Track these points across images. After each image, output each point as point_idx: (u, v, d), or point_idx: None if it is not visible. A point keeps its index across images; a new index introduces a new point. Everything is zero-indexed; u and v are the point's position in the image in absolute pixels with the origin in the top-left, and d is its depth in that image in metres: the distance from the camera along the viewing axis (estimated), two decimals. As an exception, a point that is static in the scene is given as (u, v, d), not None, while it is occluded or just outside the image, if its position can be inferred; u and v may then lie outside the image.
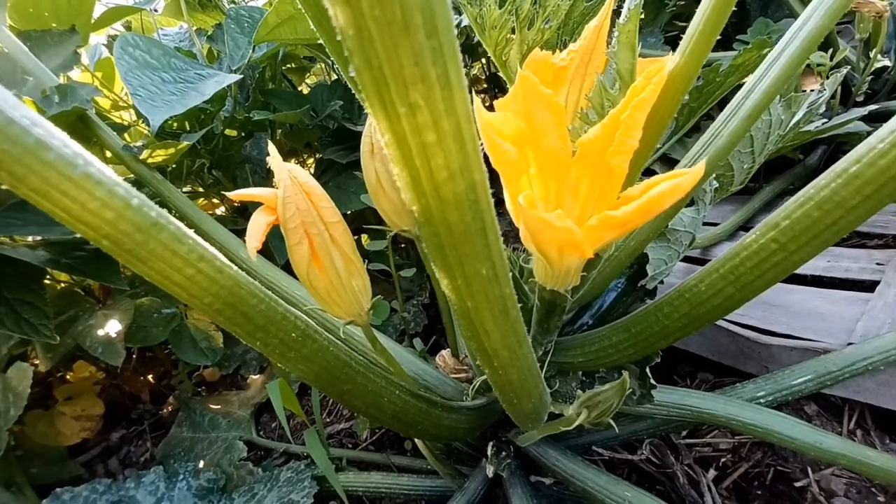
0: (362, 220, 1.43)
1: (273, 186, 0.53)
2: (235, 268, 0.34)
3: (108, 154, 1.04)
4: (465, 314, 0.31)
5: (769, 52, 0.72)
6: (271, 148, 0.52)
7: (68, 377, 1.37)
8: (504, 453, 0.74)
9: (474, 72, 2.26)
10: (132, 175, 1.00)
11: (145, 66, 0.87)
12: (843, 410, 0.85)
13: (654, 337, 0.52)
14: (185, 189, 1.34)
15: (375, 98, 0.18)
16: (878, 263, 0.96)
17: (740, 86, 0.64)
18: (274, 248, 1.14)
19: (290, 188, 0.51)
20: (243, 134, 1.34)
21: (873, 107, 1.23)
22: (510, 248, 0.65)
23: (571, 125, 0.49)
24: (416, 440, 0.88)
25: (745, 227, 1.23)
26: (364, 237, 1.53)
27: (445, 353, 0.85)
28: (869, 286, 0.92)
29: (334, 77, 1.58)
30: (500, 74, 0.63)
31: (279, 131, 1.43)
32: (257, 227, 0.52)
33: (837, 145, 1.43)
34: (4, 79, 1.03)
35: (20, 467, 1.17)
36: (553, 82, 0.63)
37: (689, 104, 1.32)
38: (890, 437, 0.81)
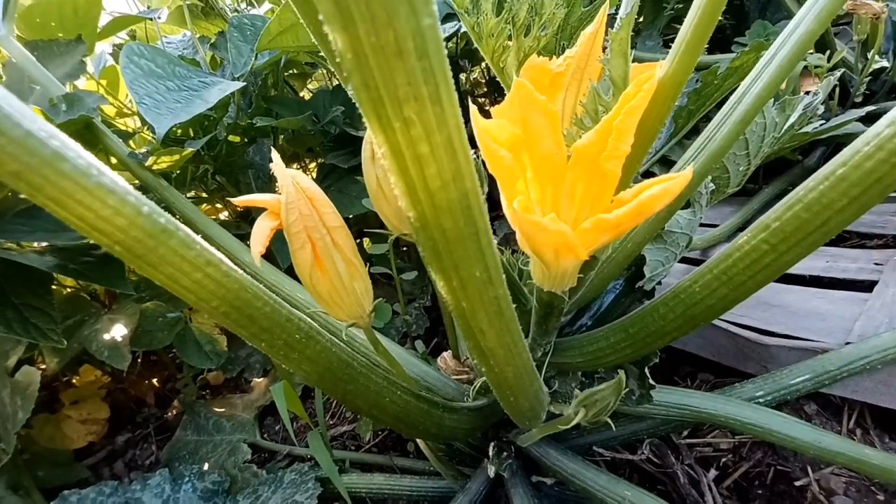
0: (364, 223, 1.44)
1: (276, 192, 0.54)
2: (241, 272, 0.35)
3: (114, 161, 1.06)
4: (461, 315, 0.32)
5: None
6: (274, 155, 0.53)
7: (74, 381, 1.38)
8: (505, 453, 0.75)
9: (475, 75, 2.28)
10: (137, 181, 1.02)
11: (150, 75, 0.89)
12: (843, 410, 0.86)
13: (651, 337, 0.53)
14: (189, 195, 1.36)
15: (372, 114, 0.19)
16: (876, 263, 0.97)
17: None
18: (277, 252, 1.16)
19: (294, 194, 0.52)
20: (246, 140, 1.36)
21: (871, 108, 1.24)
22: (509, 251, 0.66)
23: (567, 130, 0.50)
24: (418, 442, 0.89)
25: (744, 228, 1.23)
26: (366, 241, 1.54)
27: (447, 354, 0.86)
28: (867, 286, 0.92)
29: (336, 83, 1.60)
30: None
31: (281, 137, 1.45)
32: (261, 233, 0.53)
33: (836, 146, 1.43)
34: (12, 88, 1.06)
35: (27, 471, 1.18)
36: (550, 88, 0.64)
37: (687, 107, 1.33)
38: (889, 435, 0.82)
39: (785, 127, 0.69)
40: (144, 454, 1.37)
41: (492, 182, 0.43)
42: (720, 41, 1.92)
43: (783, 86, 1.37)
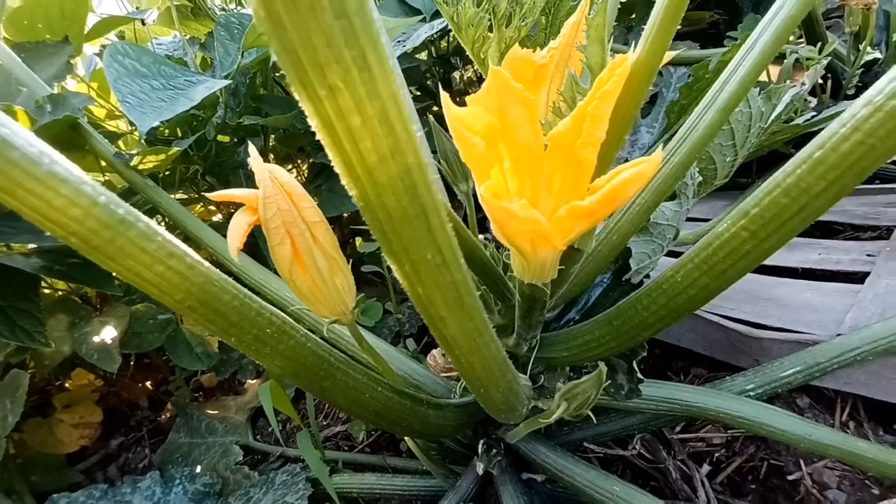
0: (356, 222, 1.44)
1: (263, 189, 0.54)
2: (207, 264, 0.34)
3: (103, 163, 1.06)
4: (418, 301, 0.31)
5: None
6: (251, 149, 0.53)
7: (67, 385, 1.38)
8: (494, 451, 0.74)
9: (468, 74, 2.27)
10: (126, 182, 1.01)
11: (135, 74, 0.88)
12: (836, 402, 0.85)
13: (635, 329, 0.52)
14: (179, 196, 1.35)
15: (297, 82, 0.19)
16: (868, 255, 0.96)
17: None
18: (266, 251, 1.15)
19: (271, 188, 0.52)
20: (236, 140, 1.35)
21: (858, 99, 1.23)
22: (493, 245, 0.65)
23: (545, 119, 0.50)
24: (408, 442, 0.88)
25: (738, 221, 1.23)
26: (358, 239, 1.54)
27: (436, 352, 0.85)
28: (860, 278, 0.91)
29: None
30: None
31: (272, 136, 1.44)
32: (238, 228, 0.52)
33: (829, 139, 1.43)
34: (-1, 90, 1.05)
35: (20, 475, 1.17)
36: (534, 80, 0.64)
37: (679, 101, 1.33)
38: (883, 428, 0.81)
39: (772, 116, 0.69)
40: (138, 457, 1.36)
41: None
42: (713, 36, 1.92)
43: (776, 78, 1.36)
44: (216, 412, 1.31)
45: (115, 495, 0.96)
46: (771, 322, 0.88)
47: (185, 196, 1.40)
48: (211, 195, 0.52)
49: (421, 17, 1.25)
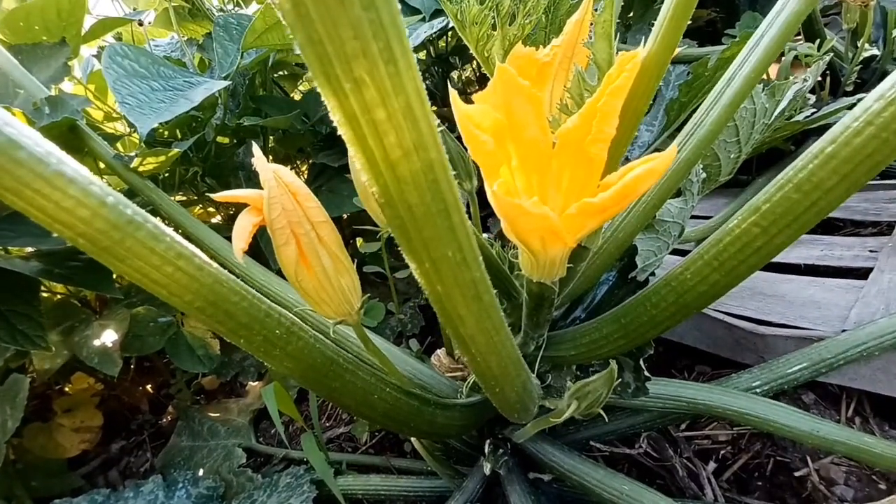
0: (357, 222, 1.43)
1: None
2: (216, 265, 0.34)
3: (102, 165, 1.05)
4: (437, 300, 0.31)
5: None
6: (255, 150, 0.52)
7: (67, 389, 1.37)
8: (501, 451, 0.74)
9: (467, 73, 2.27)
10: (126, 185, 1.01)
11: (134, 75, 0.88)
12: (841, 398, 0.85)
13: (644, 327, 0.52)
14: (179, 197, 1.35)
15: (322, 76, 0.18)
16: (871, 251, 0.96)
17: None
18: (268, 253, 1.14)
19: (276, 189, 0.51)
20: (235, 141, 1.35)
21: (862, 96, 1.23)
22: (499, 244, 0.65)
23: (552, 116, 0.50)
24: (413, 442, 0.88)
25: (739, 219, 1.23)
26: (359, 240, 1.53)
27: (441, 352, 0.85)
28: (863, 273, 0.91)
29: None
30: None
31: (272, 137, 1.43)
32: (243, 229, 0.52)
33: (829, 135, 1.43)
34: (-4, 92, 1.04)
35: (20, 480, 1.16)
36: (537, 78, 0.63)
37: (679, 99, 1.32)
38: (889, 423, 0.81)
39: (775, 113, 0.69)
40: (139, 461, 1.35)
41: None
42: (711, 34, 1.92)
43: (775, 75, 1.36)
44: (218, 415, 1.30)
45: (117, 500, 0.95)
46: (775, 319, 0.88)
47: (185, 198, 1.39)
48: (215, 196, 0.51)
49: (420, 16, 1.25)
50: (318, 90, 0.19)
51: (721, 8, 1.92)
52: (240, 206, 0.55)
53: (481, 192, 0.44)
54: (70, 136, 0.97)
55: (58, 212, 0.27)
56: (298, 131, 1.27)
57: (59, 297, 1.25)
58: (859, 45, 1.40)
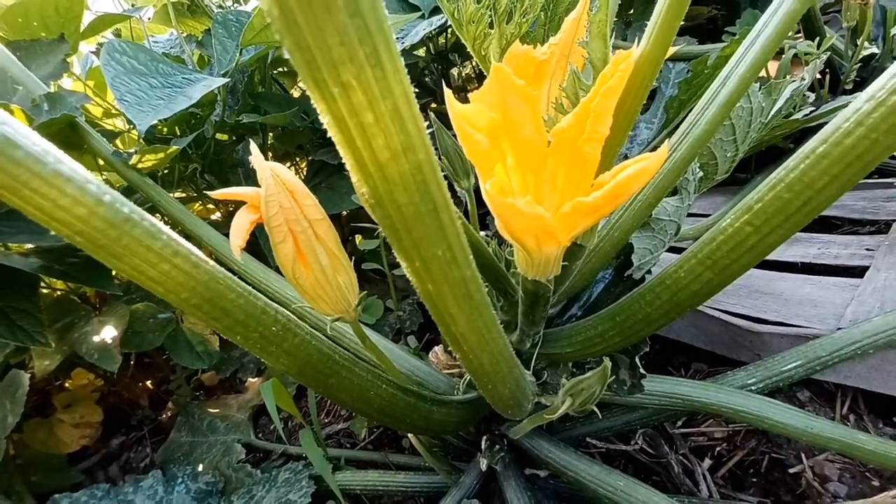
0: (356, 219, 1.43)
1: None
2: (212, 263, 0.34)
3: (101, 162, 1.05)
4: (428, 298, 0.31)
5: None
6: (253, 147, 0.52)
7: (67, 385, 1.37)
8: (498, 447, 0.74)
9: (467, 70, 2.27)
10: (124, 181, 1.01)
11: (132, 72, 0.88)
12: (836, 396, 0.85)
13: (639, 325, 0.53)
14: (178, 194, 1.35)
15: (310, 80, 0.18)
16: (868, 249, 0.96)
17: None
18: (267, 250, 1.15)
19: (273, 186, 0.52)
20: (234, 138, 1.35)
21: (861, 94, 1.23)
22: (496, 242, 0.65)
23: (548, 115, 0.50)
24: (412, 438, 0.88)
25: (737, 217, 1.23)
26: (358, 237, 1.54)
27: (438, 349, 0.86)
28: (859, 272, 0.92)
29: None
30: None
31: (271, 134, 1.43)
32: (241, 227, 0.52)
33: (827, 133, 1.43)
34: (-5, 89, 1.04)
35: (20, 476, 1.17)
36: (535, 76, 0.63)
37: (678, 97, 1.32)
38: (883, 420, 0.81)
39: (772, 112, 0.69)
40: (139, 457, 1.36)
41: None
42: (712, 31, 1.92)
43: (774, 73, 1.36)
44: (217, 411, 1.31)
45: (117, 495, 0.96)
46: (771, 316, 0.88)
47: (185, 194, 1.39)
48: (213, 193, 0.52)
49: (419, 13, 1.25)
50: (308, 93, 0.20)
51: (722, 5, 1.91)
52: (239, 203, 0.55)
53: (479, 190, 0.45)
54: (69, 132, 0.97)
55: (55, 210, 0.27)
56: (297, 128, 1.27)
57: (58, 293, 1.26)
58: (859, 43, 1.39)
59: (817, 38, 1.34)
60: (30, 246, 0.98)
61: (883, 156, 0.33)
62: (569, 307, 0.73)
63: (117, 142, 1.30)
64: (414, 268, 0.29)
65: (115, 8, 1.50)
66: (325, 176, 1.31)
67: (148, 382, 1.49)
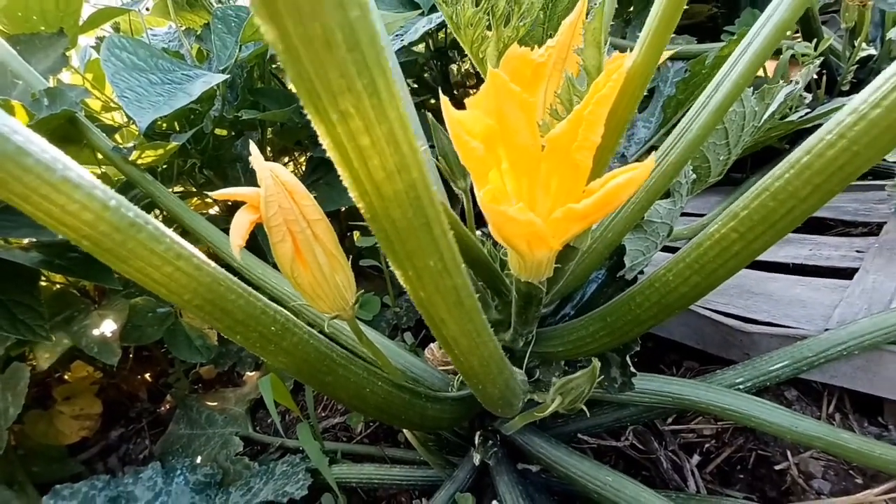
0: (354, 216, 1.44)
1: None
2: (214, 265, 0.35)
3: (100, 156, 1.06)
4: (420, 304, 0.33)
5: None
6: (253, 147, 0.53)
7: (67, 377, 1.39)
8: (491, 442, 0.76)
9: (466, 66, 2.26)
10: (123, 176, 1.01)
11: (132, 68, 0.88)
12: (823, 395, 0.87)
13: (629, 325, 0.54)
14: (177, 189, 1.35)
15: (311, 106, 0.20)
16: (858, 251, 0.98)
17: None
18: (266, 248, 1.16)
19: (272, 187, 0.53)
20: (233, 133, 1.35)
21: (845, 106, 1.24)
22: (490, 243, 0.66)
23: (543, 120, 0.51)
24: (407, 433, 0.90)
25: (731, 217, 1.24)
26: (356, 233, 1.54)
27: (434, 345, 0.87)
28: (849, 273, 0.93)
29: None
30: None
31: (270, 130, 1.44)
32: (240, 226, 0.53)
33: (823, 135, 1.44)
34: (-6, 83, 1.04)
35: (21, 466, 1.18)
36: (532, 79, 0.64)
37: (676, 96, 1.33)
38: (868, 420, 0.83)
39: (765, 116, 0.70)
40: (138, 448, 1.38)
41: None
42: (710, 30, 1.92)
43: (771, 74, 1.37)
44: (216, 404, 1.32)
45: (117, 486, 0.97)
46: (761, 317, 0.90)
47: (184, 189, 1.40)
48: (214, 194, 0.52)
49: (419, 11, 1.25)
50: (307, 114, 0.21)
51: (722, 3, 1.91)
52: (237, 200, 0.56)
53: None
54: (69, 127, 0.97)
55: (63, 215, 0.28)
56: (296, 124, 1.27)
57: (58, 287, 1.27)
58: (856, 44, 1.40)
59: (815, 40, 1.35)
60: (30, 240, 0.98)
61: (864, 167, 0.35)
62: (562, 307, 0.74)
63: (117, 136, 1.31)
64: (407, 277, 0.30)
65: (114, 1, 1.49)
66: (324, 172, 1.32)
67: (147, 375, 1.50)
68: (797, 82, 0.74)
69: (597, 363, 0.46)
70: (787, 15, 0.49)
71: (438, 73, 1.83)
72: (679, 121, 1.24)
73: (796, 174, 0.37)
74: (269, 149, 1.50)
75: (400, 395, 0.55)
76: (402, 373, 0.76)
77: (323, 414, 1.31)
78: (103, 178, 1.34)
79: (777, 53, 1.51)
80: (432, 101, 1.86)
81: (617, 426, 0.85)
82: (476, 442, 0.76)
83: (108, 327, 1.13)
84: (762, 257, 1.09)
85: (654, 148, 1.31)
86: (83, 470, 1.29)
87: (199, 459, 1.16)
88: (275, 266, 0.89)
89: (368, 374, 0.51)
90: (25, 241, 1.00)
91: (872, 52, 1.50)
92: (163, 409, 1.46)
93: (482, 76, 0.67)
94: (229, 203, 1.49)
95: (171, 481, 1.00)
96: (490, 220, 0.37)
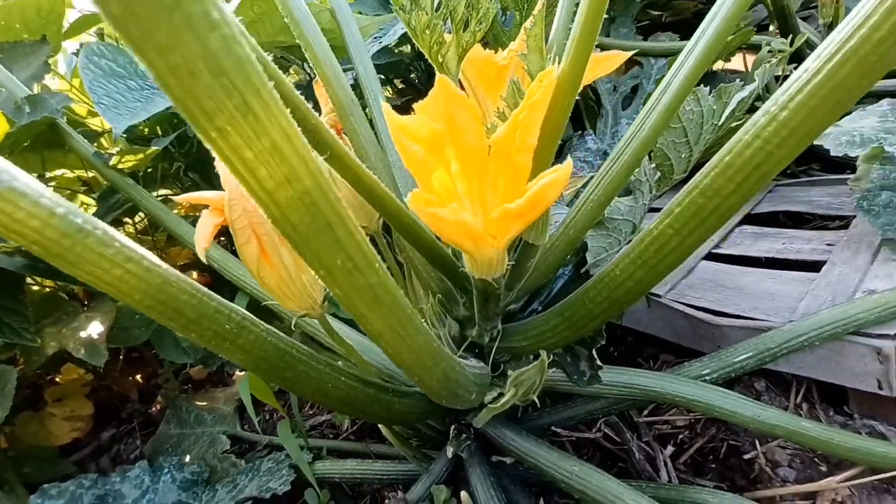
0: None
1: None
2: (166, 266, 0.37)
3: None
4: (340, 300, 0.34)
5: (731, 39, 0.75)
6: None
7: (57, 379, 1.40)
8: (464, 436, 0.78)
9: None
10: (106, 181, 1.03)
11: (111, 75, 0.90)
12: (791, 385, 0.89)
13: (584, 319, 0.56)
14: (162, 192, 1.37)
15: (193, 123, 0.21)
16: (828, 244, 1.00)
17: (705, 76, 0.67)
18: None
19: (236, 190, 0.54)
20: (218, 136, 1.36)
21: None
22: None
23: (492, 123, 0.53)
24: (382, 428, 0.92)
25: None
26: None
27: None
28: (819, 266, 0.95)
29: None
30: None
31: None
32: (205, 229, 0.55)
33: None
34: (-23, 91, 1.06)
35: (12, 467, 1.20)
36: (496, 80, 0.66)
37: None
38: (834, 409, 0.85)
39: (724, 115, 0.71)
40: (129, 449, 1.40)
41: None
42: (695, 27, 1.94)
43: (751, 68, 1.39)
44: (205, 403, 1.34)
45: (104, 484, 0.99)
46: (731, 310, 0.91)
47: (171, 192, 1.41)
48: (178, 198, 0.54)
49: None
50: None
51: (699, 2, 1.93)
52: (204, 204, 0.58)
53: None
54: (51, 133, 0.99)
55: (12, 223, 0.30)
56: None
57: (46, 290, 1.29)
58: (833, 40, 1.42)
59: (791, 35, 1.36)
60: (14, 244, 1.00)
61: (780, 166, 0.36)
62: (530, 303, 0.76)
63: (102, 140, 1.32)
64: (321, 275, 0.32)
65: (98, 7, 1.50)
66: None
67: (137, 376, 1.52)
68: (755, 81, 0.76)
69: (545, 356, 0.48)
70: (733, 9, 0.51)
71: (423, 74, 1.84)
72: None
73: (720, 172, 0.38)
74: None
75: (364, 390, 0.56)
76: (378, 369, 0.78)
77: (310, 412, 1.32)
78: (91, 183, 1.36)
79: (756, 48, 1.52)
80: (420, 101, 1.87)
81: (590, 418, 0.87)
82: (451, 435, 0.78)
83: (95, 329, 1.15)
84: (737, 251, 1.11)
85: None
86: (75, 471, 1.31)
87: (187, 458, 1.18)
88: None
89: (331, 369, 0.52)
90: (9, 245, 1.01)
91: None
92: (154, 409, 1.48)
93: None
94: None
95: (158, 479, 1.02)
96: (427, 223, 0.39)
